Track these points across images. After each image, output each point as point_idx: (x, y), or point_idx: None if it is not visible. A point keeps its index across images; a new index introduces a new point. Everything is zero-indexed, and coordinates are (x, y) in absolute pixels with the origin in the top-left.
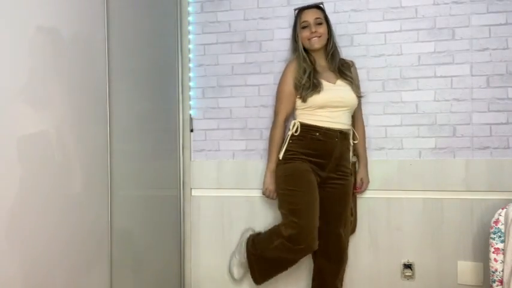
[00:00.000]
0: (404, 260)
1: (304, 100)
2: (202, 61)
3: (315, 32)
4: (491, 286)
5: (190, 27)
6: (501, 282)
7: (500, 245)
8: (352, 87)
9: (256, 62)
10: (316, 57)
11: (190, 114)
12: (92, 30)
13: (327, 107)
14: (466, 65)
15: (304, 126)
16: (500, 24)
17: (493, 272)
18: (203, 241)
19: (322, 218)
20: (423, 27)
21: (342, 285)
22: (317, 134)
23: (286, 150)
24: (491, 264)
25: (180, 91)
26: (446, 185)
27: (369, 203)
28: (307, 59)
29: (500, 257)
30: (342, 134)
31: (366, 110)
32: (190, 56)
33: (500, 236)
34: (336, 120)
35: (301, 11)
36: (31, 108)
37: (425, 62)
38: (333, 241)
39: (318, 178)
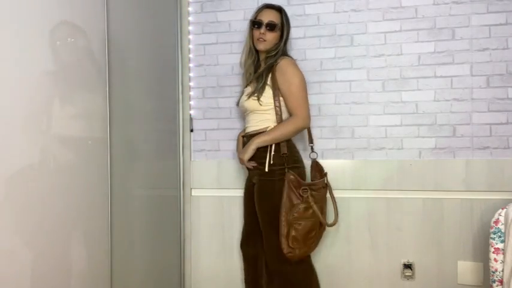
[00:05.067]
0: (405, 260)
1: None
2: (202, 61)
3: (263, 34)
4: (491, 286)
5: (190, 27)
6: (501, 282)
7: (500, 245)
8: (256, 90)
9: None
10: (260, 56)
11: (190, 114)
12: (92, 30)
13: (244, 112)
14: (466, 65)
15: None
16: (500, 24)
17: (493, 272)
18: (203, 241)
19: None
20: (423, 27)
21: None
22: (245, 138)
23: None
24: (491, 264)
25: (180, 91)
26: (446, 185)
27: (369, 203)
28: (255, 56)
29: (500, 257)
30: (251, 137)
31: (366, 110)
32: (190, 56)
33: (500, 236)
34: (247, 124)
35: (262, 8)
36: (29, 108)
37: (425, 62)
38: (262, 239)
39: (252, 183)
